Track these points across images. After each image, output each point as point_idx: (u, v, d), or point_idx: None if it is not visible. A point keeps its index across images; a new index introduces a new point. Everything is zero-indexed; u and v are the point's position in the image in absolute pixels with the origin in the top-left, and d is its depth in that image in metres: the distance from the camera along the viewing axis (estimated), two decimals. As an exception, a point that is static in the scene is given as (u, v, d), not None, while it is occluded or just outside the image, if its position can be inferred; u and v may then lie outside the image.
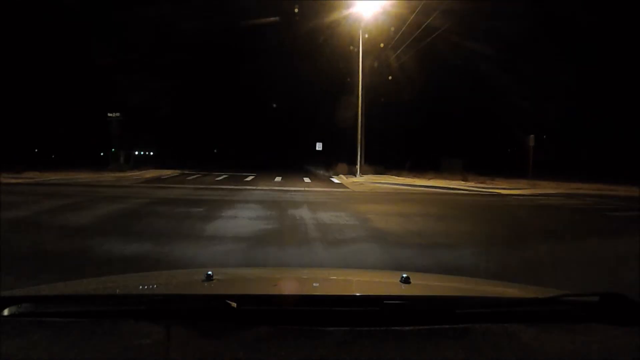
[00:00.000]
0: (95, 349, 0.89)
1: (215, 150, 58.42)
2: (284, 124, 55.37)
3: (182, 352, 0.89)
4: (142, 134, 26.77)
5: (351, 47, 21.03)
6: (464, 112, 27.06)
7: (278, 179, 17.87)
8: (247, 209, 8.37)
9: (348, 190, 14.01)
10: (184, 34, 26.97)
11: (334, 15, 19.09)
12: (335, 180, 18.38)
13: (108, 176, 17.56)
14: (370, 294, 1.37)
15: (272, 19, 19.20)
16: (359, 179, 18.12)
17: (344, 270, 2.91)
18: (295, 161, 40.74)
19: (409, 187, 14.86)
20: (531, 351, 0.93)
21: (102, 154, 29.55)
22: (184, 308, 1.08)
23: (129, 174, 19.11)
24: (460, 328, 1.00)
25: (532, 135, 21.75)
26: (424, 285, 1.55)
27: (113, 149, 22.68)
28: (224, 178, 18.28)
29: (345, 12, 18.65)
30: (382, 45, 19.89)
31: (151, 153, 38.94)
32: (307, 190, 13.23)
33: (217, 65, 43.00)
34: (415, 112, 26.69)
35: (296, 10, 18.70)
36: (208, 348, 0.90)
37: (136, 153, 36.80)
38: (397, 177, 18.76)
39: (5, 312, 1.05)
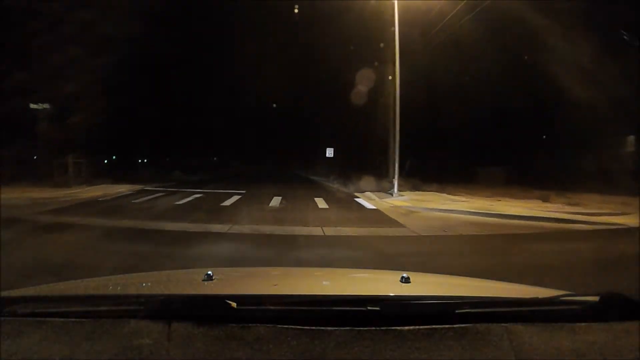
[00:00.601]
0: (95, 349, 0.89)
1: (214, 159, 54.35)
2: (286, 127, 50.62)
3: (182, 352, 0.88)
4: (108, 137, 20.80)
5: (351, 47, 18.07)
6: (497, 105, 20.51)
7: (276, 201, 11.95)
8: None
9: (405, 230, 7.65)
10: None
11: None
12: (365, 202, 12.11)
13: (38, 194, 12.73)
14: (370, 294, 1.35)
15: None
16: (400, 200, 11.89)
17: (344, 270, 2.76)
18: (299, 171, 35.71)
19: (490, 219, 8.93)
20: (531, 351, 0.92)
21: (105, 161, 27.00)
22: (184, 308, 1.04)
23: (67, 191, 13.92)
24: (460, 328, 0.98)
25: (631, 137, 16.08)
26: (424, 285, 1.56)
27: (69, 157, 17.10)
28: (193, 199, 12.43)
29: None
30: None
31: (145, 161, 33.82)
32: (331, 237, 6.80)
33: (212, 62, 37.71)
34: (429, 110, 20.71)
35: (296, 10, 16.52)
36: (208, 348, 0.89)
37: (139, 161, 31.94)
38: (451, 196, 12.89)
39: (5, 312, 1.04)
